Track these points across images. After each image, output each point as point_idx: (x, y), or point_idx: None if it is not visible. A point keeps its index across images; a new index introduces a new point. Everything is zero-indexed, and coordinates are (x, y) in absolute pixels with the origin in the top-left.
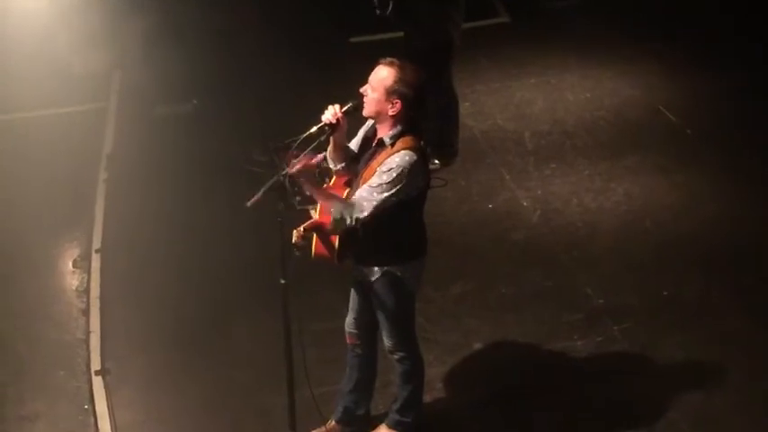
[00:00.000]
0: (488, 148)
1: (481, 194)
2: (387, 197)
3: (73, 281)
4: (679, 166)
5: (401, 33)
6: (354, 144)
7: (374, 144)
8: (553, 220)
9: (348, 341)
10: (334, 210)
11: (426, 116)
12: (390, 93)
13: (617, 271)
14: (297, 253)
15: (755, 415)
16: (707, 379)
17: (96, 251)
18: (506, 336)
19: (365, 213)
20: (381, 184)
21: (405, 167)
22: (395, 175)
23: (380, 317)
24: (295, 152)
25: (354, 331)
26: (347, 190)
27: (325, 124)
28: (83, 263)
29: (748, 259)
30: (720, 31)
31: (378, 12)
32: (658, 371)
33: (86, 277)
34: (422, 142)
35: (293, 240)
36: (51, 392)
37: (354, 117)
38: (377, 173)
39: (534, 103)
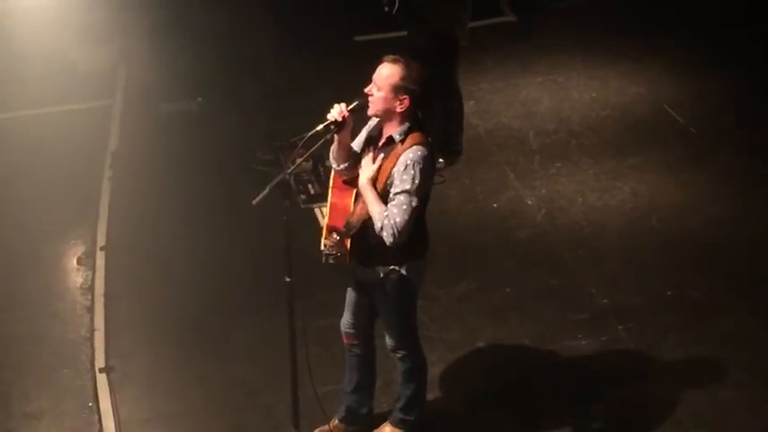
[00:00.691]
0: (493, 147)
1: (486, 193)
2: (418, 202)
3: (77, 278)
4: (685, 164)
5: (406, 32)
6: (357, 145)
7: (381, 143)
8: (558, 219)
9: (345, 341)
10: (377, 220)
11: (432, 115)
12: (397, 90)
13: (622, 270)
14: (330, 260)
15: (760, 414)
16: (711, 378)
17: (101, 248)
18: (510, 335)
19: (409, 211)
20: (408, 190)
21: (419, 162)
22: (412, 172)
23: (383, 316)
24: (300, 150)
25: (351, 331)
26: (352, 190)
27: (331, 122)
28: (87, 260)
29: (753, 258)
30: (725, 30)
31: (386, 8)
32: (663, 370)
33: (91, 274)
34: (430, 138)
35: (323, 248)
36: (56, 390)
37: (359, 116)
38: (396, 176)
39: (540, 101)
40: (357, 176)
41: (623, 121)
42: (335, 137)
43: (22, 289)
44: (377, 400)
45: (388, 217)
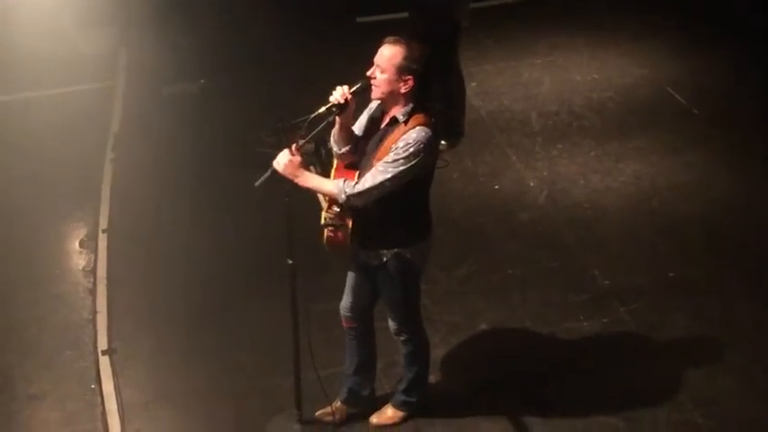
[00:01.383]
0: (495, 129)
1: (487, 175)
2: (404, 170)
3: (80, 261)
4: (688, 145)
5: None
6: (358, 128)
7: (385, 124)
8: (560, 201)
9: (344, 324)
10: (334, 187)
11: (433, 96)
12: (401, 70)
13: (624, 252)
14: (331, 233)
15: (759, 398)
16: (713, 360)
17: (103, 231)
18: (512, 317)
19: (379, 180)
20: (398, 159)
21: (422, 142)
22: (412, 149)
23: (386, 299)
24: (302, 133)
25: (350, 314)
26: (355, 172)
27: (334, 105)
28: (89, 243)
29: (757, 240)
30: (727, 8)
31: None
32: (665, 352)
33: (93, 257)
34: (433, 119)
35: (323, 221)
36: (58, 372)
37: (361, 99)
38: (393, 149)
39: (541, 83)
40: (359, 159)
41: (625, 103)
42: (337, 119)
43: (23, 271)
44: (379, 382)
45: (350, 183)
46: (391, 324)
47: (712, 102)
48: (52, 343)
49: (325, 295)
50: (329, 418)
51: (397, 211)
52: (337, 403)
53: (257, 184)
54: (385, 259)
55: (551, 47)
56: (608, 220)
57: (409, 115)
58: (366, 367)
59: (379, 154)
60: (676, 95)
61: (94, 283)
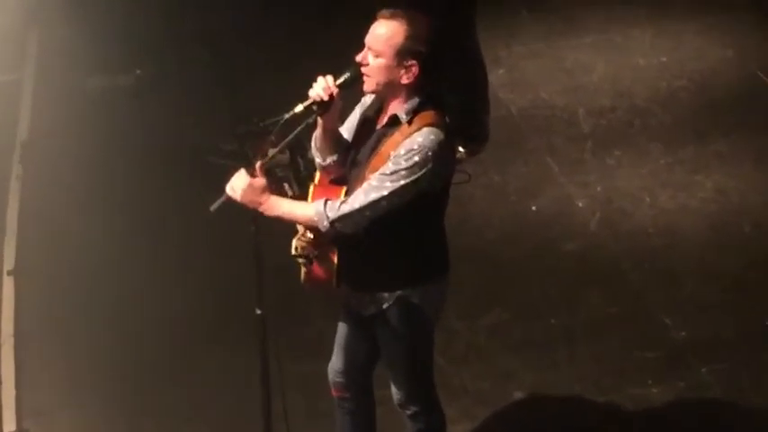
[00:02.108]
0: (530, 131)
1: (521, 192)
2: (406, 186)
3: None
4: None
5: None
6: (347, 130)
7: (384, 124)
8: (618, 226)
9: (334, 393)
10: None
11: (445, 87)
12: (402, 54)
13: (705, 293)
14: (304, 267)
15: None
16: None
17: (8, 273)
18: (556, 381)
19: (372, 198)
20: (398, 170)
21: (431, 149)
22: (417, 158)
23: (388, 359)
24: (273, 139)
25: (342, 380)
26: (341, 189)
27: (314, 101)
28: None
29: None
30: None
31: None
32: (761, 425)
33: None
34: (446, 118)
35: (294, 252)
36: None
37: (352, 91)
38: (392, 157)
39: (592, 69)
40: (355, 167)
41: (704, 94)
42: (319, 121)
43: None
44: None
45: (333, 204)
46: (395, 393)
47: None
48: None
49: (306, 353)
50: None
51: (399, 242)
52: None
53: (213, 208)
54: (385, 306)
55: (605, 20)
56: (682, 251)
57: (414, 113)
58: None
59: (373, 164)
60: None
61: None
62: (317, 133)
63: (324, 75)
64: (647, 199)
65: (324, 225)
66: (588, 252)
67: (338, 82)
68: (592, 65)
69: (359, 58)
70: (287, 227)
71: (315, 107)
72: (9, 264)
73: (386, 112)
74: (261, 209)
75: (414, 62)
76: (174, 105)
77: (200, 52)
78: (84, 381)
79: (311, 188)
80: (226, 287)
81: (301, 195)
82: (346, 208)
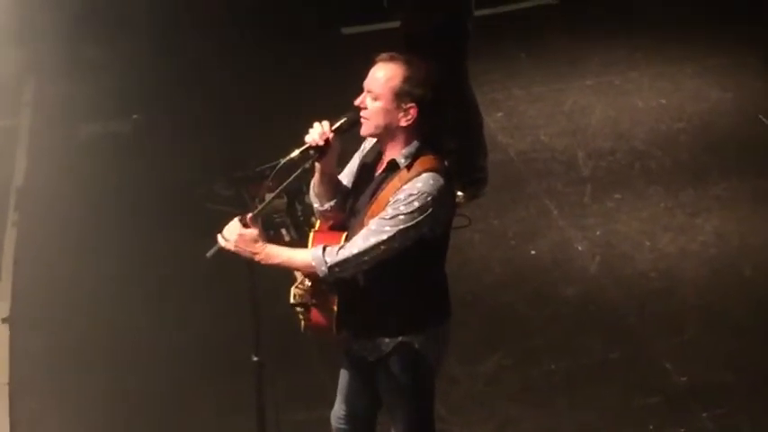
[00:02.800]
0: (529, 174)
1: (520, 236)
2: (406, 231)
3: None
4: None
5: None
6: (347, 176)
7: (382, 170)
8: (618, 270)
9: None
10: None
11: (444, 130)
12: (401, 96)
13: (705, 337)
14: (301, 316)
15: None
16: None
17: (3, 320)
18: (557, 428)
19: (372, 243)
20: (398, 215)
21: (431, 194)
22: (417, 204)
23: (388, 406)
24: (270, 183)
25: (344, 427)
26: (342, 235)
27: (310, 147)
28: None
29: None
30: None
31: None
32: None
33: None
34: (446, 162)
35: (292, 300)
36: None
37: (351, 138)
38: (391, 203)
39: (591, 112)
40: (354, 215)
41: (703, 137)
42: (316, 166)
43: None
44: None
45: (331, 249)
46: None
47: None
48: None
49: (304, 401)
50: None
51: (400, 287)
52: None
53: (209, 254)
54: (386, 352)
55: (604, 63)
56: (683, 295)
57: (413, 158)
58: None
59: (372, 210)
60: None
61: None
62: (315, 178)
63: (320, 120)
64: (648, 242)
65: (322, 270)
66: (588, 296)
67: (334, 127)
68: (591, 107)
69: (357, 101)
70: (285, 273)
71: (311, 152)
72: (4, 311)
73: (384, 158)
74: (257, 258)
75: (412, 105)
76: (171, 150)
77: (199, 96)
78: (77, 429)
79: (311, 234)
80: (222, 334)
81: (299, 241)
82: (345, 253)
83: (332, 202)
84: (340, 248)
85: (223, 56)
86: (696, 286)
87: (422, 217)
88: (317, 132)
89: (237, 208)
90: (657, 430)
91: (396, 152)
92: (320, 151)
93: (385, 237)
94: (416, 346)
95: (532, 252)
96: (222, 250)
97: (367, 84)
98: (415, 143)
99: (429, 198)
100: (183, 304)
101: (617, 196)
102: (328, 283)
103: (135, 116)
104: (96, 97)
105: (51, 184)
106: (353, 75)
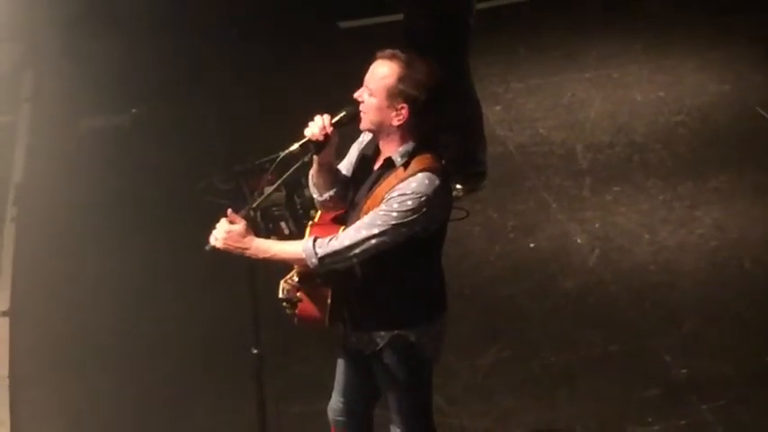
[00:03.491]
0: (528, 167)
1: (519, 229)
2: (398, 227)
3: None
4: None
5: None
6: (346, 167)
7: (379, 166)
8: (617, 263)
9: None
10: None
11: (442, 126)
12: (394, 96)
13: (705, 330)
14: (288, 311)
15: None
16: None
17: (3, 314)
18: (557, 420)
19: (362, 236)
20: (390, 212)
21: (425, 195)
22: (411, 203)
23: (386, 399)
24: (270, 177)
25: (342, 418)
26: (339, 228)
27: (310, 140)
28: None
29: None
30: None
31: None
32: None
33: None
34: (443, 161)
35: (281, 294)
36: None
37: (349, 128)
38: (385, 200)
39: (590, 105)
40: (352, 208)
41: (702, 130)
42: (315, 159)
43: None
44: None
45: (323, 240)
46: None
47: None
48: None
49: (304, 393)
50: None
51: (395, 280)
52: None
53: (208, 247)
54: (381, 345)
55: (603, 56)
56: (682, 288)
57: (409, 156)
58: None
59: (368, 205)
60: None
61: None
62: (313, 169)
63: (321, 113)
64: (647, 235)
65: (312, 262)
66: (587, 289)
67: (334, 120)
68: (590, 101)
69: (356, 95)
70: (287, 266)
71: (311, 146)
72: (4, 305)
73: (381, 154)
74: (247, 254)
75: (404, 106)
76: (170, 144)
77: (198, 90)
78: (78, 423)
79: (308, 226)
80: (222, 327)
81: (298, 234)
82: (335, 244)
83: (331, 192)
84: (331, 239)
85: (222, 50)
86: (695, 279)
87: (415, 216)
88: (317, 126)
89: (237, 201)
90: (657, 422)
91: (392, 149)
92: (319, 145)
93: (376, 231)
94: (412, 338)
95: (531, 245)
96: (216, 250)
97: (366, 79)
98: (411, 143)
99: (423, 198)
100: (182, 297)
101: (616, 189)
102: (322, 276)
103: (134, 110)
104: (95, 92)
105: (50, 178)
106: (352, 68)
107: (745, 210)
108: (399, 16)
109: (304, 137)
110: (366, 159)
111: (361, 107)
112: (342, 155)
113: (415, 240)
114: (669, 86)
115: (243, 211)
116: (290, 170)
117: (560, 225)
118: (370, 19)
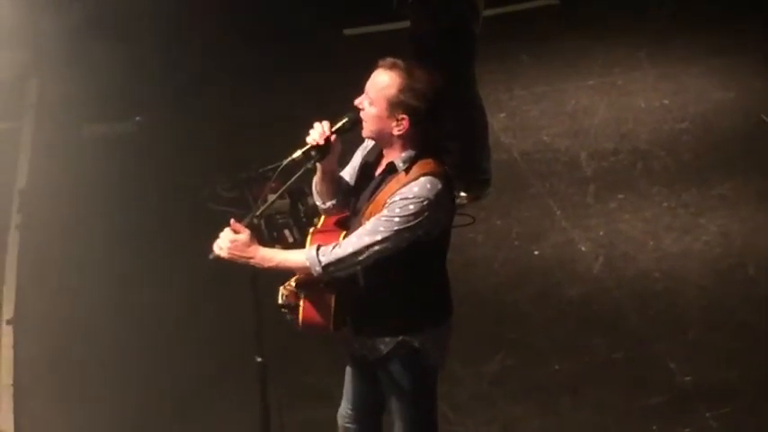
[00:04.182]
0: (532, 175)
1: (524, 237)
2: (400, 233)
3: None
4: None
5: (407, 23)
6: (349, 174)
7: (381, 171)
8: (621, 271)
9: None
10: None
11: (446, 134)
12: (394, 106)
13: (709, 337)
14: (288, 317)
15: None
16: None
17: (7, 322)
18: (561, 428)
19: (365, 243)
20: (393, 218)
21: (427, 199)
22: (413, 208)
23: (391, 405)
24: (273, 184)
25: (351, 425)
26: (342, 233)
27: (312, 147)
28: None
29: None
30: None
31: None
32: None
33: None
34: (445, 166)
35: (280, 300)
36: None
37: (353, 135)
38: (387, 205)
39: (594, 112)
40: (355, 214)
41: (706, 137)
42: (318, 166)
43: None
44: None
45: (326, 248)
46: None
47: None
48: None
49: (309, 400)
50: None
51: (399, 286)
52: None
53: (212, 255)
54: (385, 351)
55: (607, 63)
56: (687, 295)
57: (411, 162)
58: None
59: (370, 210)
60: None
61: None
62: (317, 177)
63: (321, 120)
64: (651, 242)
65: (317, 270)
66: (592, 296)
67: (335, 128)
68: (594, 108)
69: (357, 101)
70: (290, 273)
71: (313, 153)
72: (8, 313)
73: (384, 159)
74: (252, 263)
75: (404, 116)
76: (173, 151)
77: (202, 97)
78: (81, 430)
79: (310, 233)
80: (226, 335)
81: (302, 242)
82: (339, 252)
83: (333, 201)
84: (334, 247)
85: (225, 58)
86: (700, 286)
87: (417, 221)
88: (318, 132)
89: (240, 209)
90: (661, 430)
91: (394, 155)
92: (322, 152)
93: (379, 237)
94: (416, 345)
95: (536, 252)
96: (219, 259)
97: (367, 87)
98: (411, 151)
99: (425, 203)
100: (186, 305)
101: (620, 196)
102: (325, 282)
103: (138, 118)
104: (99, 99)
105: (54, 185)
106: (355, 76)
107: (750, 216)
108: (404, 24)
109: (306, 144)
110: (369, 165)
111: (362, 115)
112: (346, 162)
113: (419, 245)
114: (673, 94)
115: (246, 219)
116: (294, 177)
117: (565, 232)
118: (374, 26)
